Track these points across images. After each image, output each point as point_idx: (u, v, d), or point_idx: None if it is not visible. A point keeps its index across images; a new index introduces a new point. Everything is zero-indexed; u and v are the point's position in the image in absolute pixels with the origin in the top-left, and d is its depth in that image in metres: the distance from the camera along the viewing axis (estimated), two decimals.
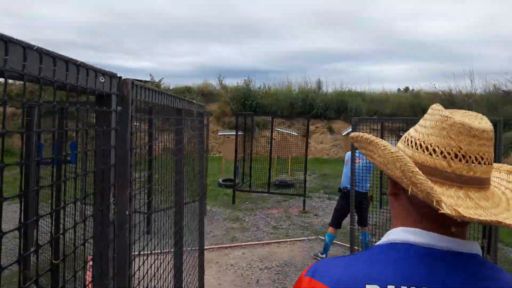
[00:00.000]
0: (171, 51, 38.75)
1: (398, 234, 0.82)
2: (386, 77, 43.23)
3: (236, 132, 8.97)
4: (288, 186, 10.53)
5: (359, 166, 5.07)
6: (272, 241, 6.31)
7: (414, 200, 0.80)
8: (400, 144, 0.88)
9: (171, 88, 20.60)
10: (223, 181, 10.83)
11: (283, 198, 9.33)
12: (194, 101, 2.84)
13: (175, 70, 41.43)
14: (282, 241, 6.33)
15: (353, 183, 4.98)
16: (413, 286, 0.73)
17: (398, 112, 19.84)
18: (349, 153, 5.58)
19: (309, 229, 7.09)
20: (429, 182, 0.72)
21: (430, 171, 0.77)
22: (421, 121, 0.85)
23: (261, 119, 16.36)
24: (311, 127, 18.07)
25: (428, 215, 0.78)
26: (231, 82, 24.98)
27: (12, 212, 6.58)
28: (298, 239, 6.48)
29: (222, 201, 8.97)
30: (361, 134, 0.88)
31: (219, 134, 12.64)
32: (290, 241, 6.38)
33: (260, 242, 6.24)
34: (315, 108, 18.82)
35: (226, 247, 5.95)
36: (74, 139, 4.59)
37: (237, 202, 8.86)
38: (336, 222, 5.59)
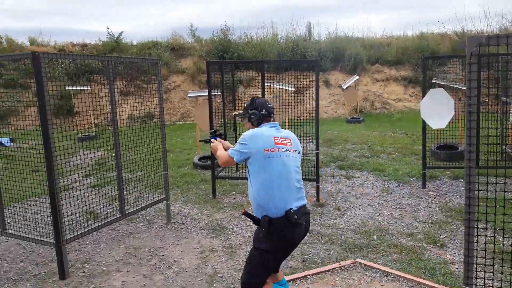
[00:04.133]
0: (143, 14, 34.38)
1: None
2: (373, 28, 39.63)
3: (209, 89, 6.00)
4: None
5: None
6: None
7: None
8: None
9: (134, 43, 17.19)
10: (200, 159, 7.99)
11: None
12: None
13: (148, 32, 37.37)
14: (297, 278, 3.62)
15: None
16: None
17: (403, 57, 16.98)
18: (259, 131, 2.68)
19: (336, 241, 4.40)
20: None
21: None
22: None
23: (244, 74, 13.32)
24: (305, 81, 15.13)
25: None
26: (207, 35, 21.53)
27: None
28: (325, 268, 3.78)
29: (197, 195, 6.17)
30: None
31: (188, 96, 9.62)
32: (311, 276, 3.67)
33: None
34: (308, 58, 15.78)
35: None
36: None
37: (219, 194, 6.08)
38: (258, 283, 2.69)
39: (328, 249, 4.20)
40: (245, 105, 2.85)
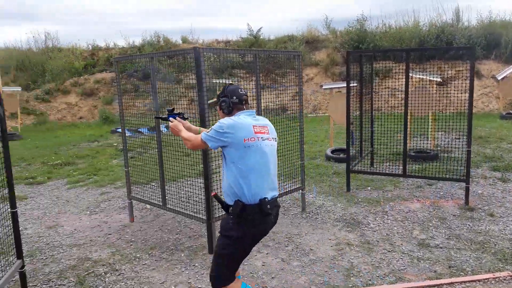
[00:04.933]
0: (277, 8, 35.56)
1: None
2: None
3: (348, 81, 5.90)
4: (430, 158, 7.22)
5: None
6: (424, 283, 3.38)
7: None
8: None
9: (271, 38, 17.86)
10: (332, 152, 7.97)
11: (425, 180, 6.13)
12: None
13: (282, 27, 38.55)
14: (443, 284, 3.36)
15: None
16: None
17: None
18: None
19: (489, 249, 3.94)
20: None
21: None
22: None
23: (382, 64, 12.74)
24: (451, 71, 13.75)
25: None
26: (342, 26, 21.12)
27: None
28: (475, 277, 3.43)
29: (330, 187, 6.18)
30: None
31: (323, 88, 9.62)
32: (459, 283, 3.37)
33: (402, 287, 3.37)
34: (455, 46, 14.28)
35: None
36: None
37: (353, 188, 5.98)
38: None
39: (479, 257, 3.80)
40: (218, 92, 2.72)
